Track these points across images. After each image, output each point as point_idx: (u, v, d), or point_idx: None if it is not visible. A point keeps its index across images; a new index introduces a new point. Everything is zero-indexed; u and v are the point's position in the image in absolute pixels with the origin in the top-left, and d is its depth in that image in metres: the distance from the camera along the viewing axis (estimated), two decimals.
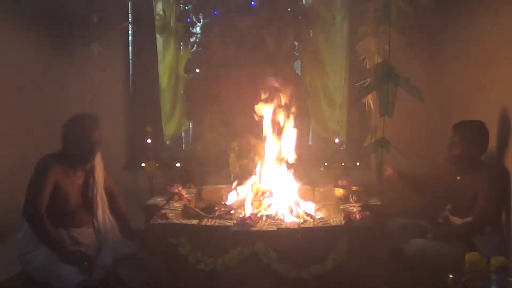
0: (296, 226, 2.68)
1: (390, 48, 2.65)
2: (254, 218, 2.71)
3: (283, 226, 2.68)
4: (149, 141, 4.53)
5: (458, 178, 3.08)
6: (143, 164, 4.57)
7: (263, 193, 3.20)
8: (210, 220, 2.81)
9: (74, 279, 2.44)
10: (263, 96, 3.35)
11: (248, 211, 3.00)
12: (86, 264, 2.55)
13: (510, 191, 2.91)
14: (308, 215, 2.97)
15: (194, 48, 4.60)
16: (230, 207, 3.17)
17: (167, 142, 5.10)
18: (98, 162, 2.90)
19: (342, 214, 2.83)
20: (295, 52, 4.51)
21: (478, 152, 2.98)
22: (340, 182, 3.52)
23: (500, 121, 3.08)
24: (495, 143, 3.11)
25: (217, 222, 2.75)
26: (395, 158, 2.90)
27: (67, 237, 2.67)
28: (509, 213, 2.91)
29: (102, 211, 2.87)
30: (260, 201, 3.15)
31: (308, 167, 4.02)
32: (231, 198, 3.31)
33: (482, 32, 3.47)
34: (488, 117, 3.17)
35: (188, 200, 3.25)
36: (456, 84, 4.04)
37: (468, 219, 2.94)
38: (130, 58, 5.07)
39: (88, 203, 2.84)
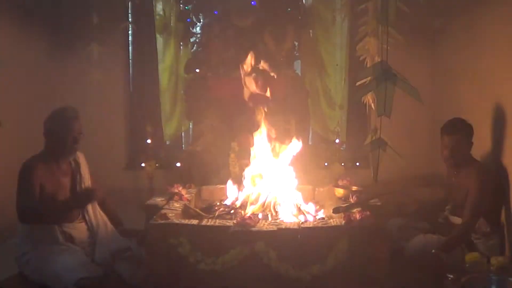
0: (296, 226, 2.67)
1: (387, 48, 2.64)
2: (254, 218, 2.72)
3: (283, 226, 2.68)
4: (149, 141, 4.53)
5: (454, 177, 3.09)
6: (143, 164, 4.57)
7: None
8: (210, 220, 2.81)
9: (71, 278, 2.43)
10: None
11: (248, 211, 3.01)
12: (94, 193, 2.71)
13: (506, 189, 2.92)
14: (308, 213, 2.98)
15: (194, 48, 4.61)
16: (230, 207, 3.17)
17: (167, 142, 5.10)
18: (82, 159, 2.90)
19: (342, 214, 2.83)
20: (295, 52, 4.51)
21: (467, 148, 2.99)
22: (340, 182, 3.52)
23: (497, 120, 3.09)
24: (492, 141, 3.14)
25: (217, 222, 2.75)
26: (392, 158, 2.90)
27: (60, 233, 2.65)
28: (509, 213, 2.91)
29: (92, 206, 2.85)
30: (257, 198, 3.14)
31: (308, 167, 4.01)
32: (231, 198, 3.31)
33: (481, 32, 3.47)
34: (487, 116, 3.17)
35: (188, 200, 3.25)
36: (455, 84, 4.04)
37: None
38: (130, 58, 5.07)
39: None
